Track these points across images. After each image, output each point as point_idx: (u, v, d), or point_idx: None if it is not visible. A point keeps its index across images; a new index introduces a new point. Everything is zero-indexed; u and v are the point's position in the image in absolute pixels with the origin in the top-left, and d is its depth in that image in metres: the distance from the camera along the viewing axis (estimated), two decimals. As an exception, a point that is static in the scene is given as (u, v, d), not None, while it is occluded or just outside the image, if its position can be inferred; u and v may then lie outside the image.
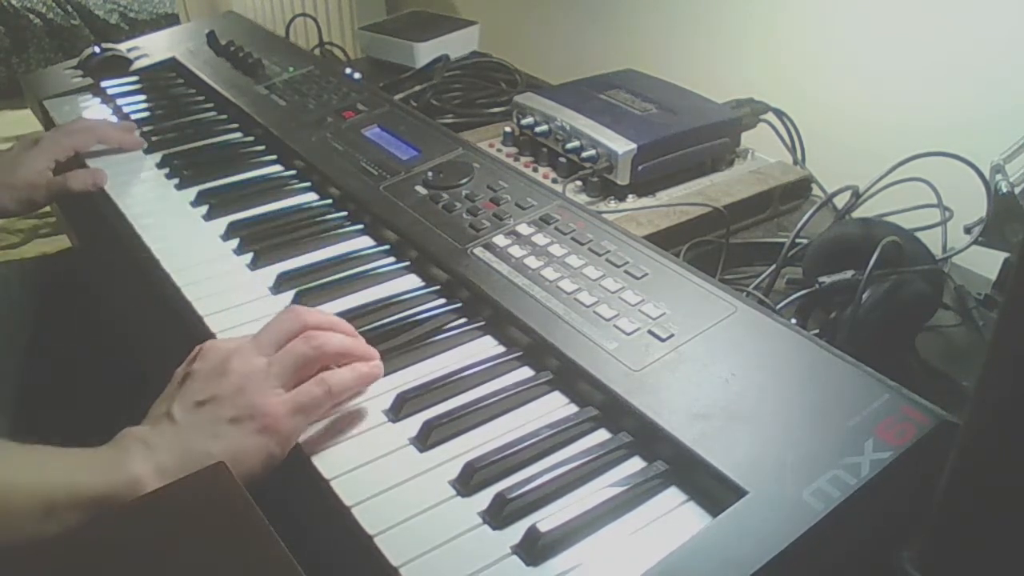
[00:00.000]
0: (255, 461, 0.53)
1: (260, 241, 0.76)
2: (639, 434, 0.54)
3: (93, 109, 1.07)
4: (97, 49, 1.16)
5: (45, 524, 0.49)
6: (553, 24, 1.42)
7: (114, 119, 1.03)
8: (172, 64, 1.16)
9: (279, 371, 0.56)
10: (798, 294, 0.71)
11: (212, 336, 0.65)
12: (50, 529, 0.49)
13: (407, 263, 0.73)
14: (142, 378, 0.69)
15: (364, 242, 0.77)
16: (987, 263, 0.79)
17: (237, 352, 0.57)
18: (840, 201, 0.83)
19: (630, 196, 0.87)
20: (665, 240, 0.80)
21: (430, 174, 0.80)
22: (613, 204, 0.86)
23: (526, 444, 0.54)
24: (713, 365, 0.56)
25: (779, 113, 0.97)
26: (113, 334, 0.81)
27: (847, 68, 1.02)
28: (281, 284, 0.70)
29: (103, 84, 1.10)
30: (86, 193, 0.87)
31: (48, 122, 1.07)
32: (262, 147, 0.94)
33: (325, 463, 0.54)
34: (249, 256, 0.74)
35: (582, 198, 0.86)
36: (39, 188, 0.87)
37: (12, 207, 0.87)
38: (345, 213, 0.81)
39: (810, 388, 0.54)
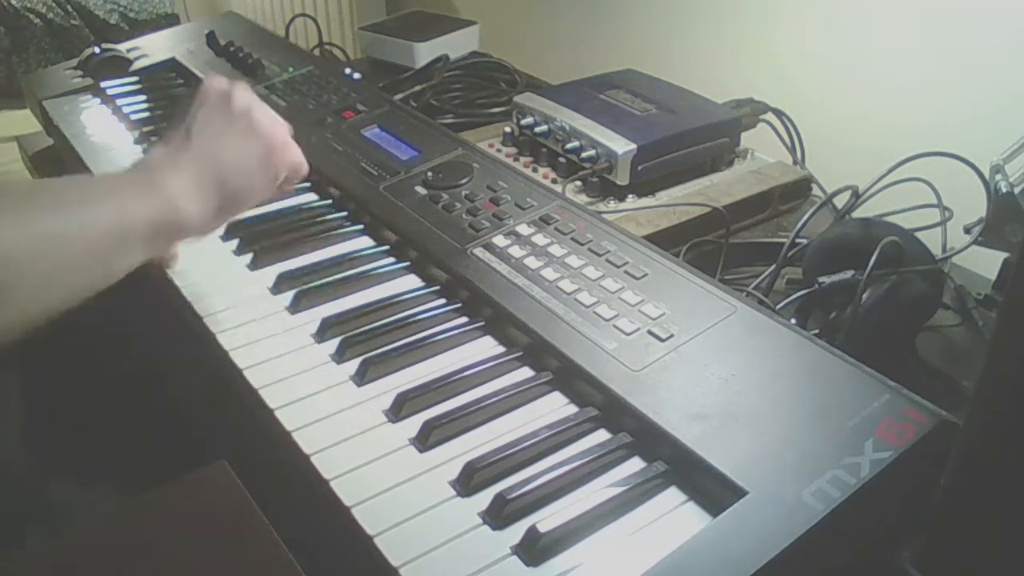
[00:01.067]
0: (253, 173, 0.64)
1: (260, 241, 0.76)
2: (639, 434, 0.55)
3: (93, 109, 1.07)
4: (97, 49, 1.16)
5: (120, 256, 0.55)
6: (553, 24, 1.42)
7: (114, 119, 1.03)
8: (172, 64, 1.16)
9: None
10: (798, 294, 0.71)
11: (212, 336, 0.65)
12: (122, 263, 0.56)
13: (407, 263, 0.73)
14: (142, 376, 0.69)
15: (364, 242, 0.77)
16: (987, 263, 0.79)
17: (259, 107, 0.67)
18: (840, 201, 0.83)
19: (630, 196, 0.87)
20: (665, 240, 0.80)
21: (430, 174, 0.80)
22: (613, 204, 0.86)
23: (526, 444, 0.54)
24: (713, 365, 0.56)
25: (779, 113, 0.97)
26: (113, 334, 0.81)
27: (847, 68, 1.02)
28: (281, 284, 0.70)
29: (103, 84, 1.10)
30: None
31: (48, 122, 1.07)
32: (262, 147, 0.94)
33: (325, 463, 0.54)
34: (249, 256, 0.74)
35: (582, 198, 0.86)
36: None
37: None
38: (345, 213, 0.81)
39: (810, 388, 0.54)
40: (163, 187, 0.59)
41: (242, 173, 0.63)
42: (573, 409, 0.58)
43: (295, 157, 0.68)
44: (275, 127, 0.67)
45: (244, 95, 0.67)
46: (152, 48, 1.20)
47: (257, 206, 0.70)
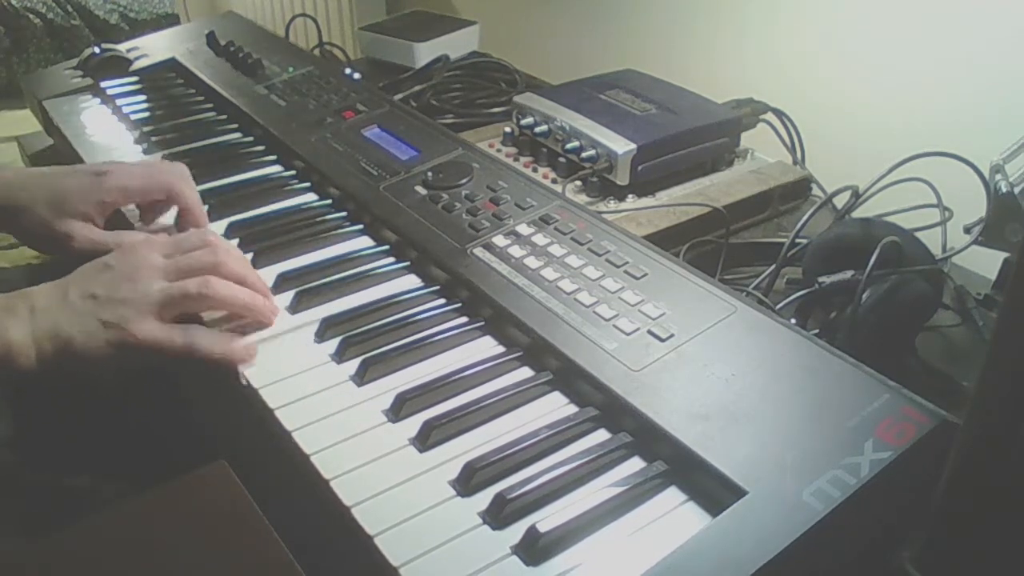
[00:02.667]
0: (99, 361, 0.60)
1: (260, 241, 0.76)
2: (639, 434, 0.55)
3: (93, 109, 1.07)
4: (97, 49, 1.16)
5: None
6: (553, 24, 1.42)
7: (114, 119, 1.03)
8: (172, 64, 1.16)
9: (163, 301, 0.62)
10: (798, 294, 0.71)
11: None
12: None
13: (407, 263, 0.73)
14: (141, 376, 0.69)
15: (364, 242, 0.77)
16: (987, 263, 0.79)
17: (147, 268, 0.63)
18: (840, 201, 0.83)
19: (630, 196, 0.87)
20: (665, 240, 0.80)
21: (430, 174, 0.80)
22: (613, 204, 0.86)
23: (526, 444, 0.54)
24: (713, 365, 0.56)
25: (779, 113, 0.97)
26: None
27: (847, 68, 1.02)
28: (281, 284, 0.70)
29: (103, 84, 1.10)
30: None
31: (48, 122, 1.07)
32: (262, 147, 0.94)
33: (325, 463, 0.54)
34: (249, 256, 0.74)
35: (582, 198, 0.86)
36: (78, 241, 0.73)
37: (36, 244, 0.77)
38: (345, 213, 0.81)
39: (810, 388, 0.54)
40: (9, 331, 0.59)
41: (81, 347, 0.59)
42: (573, 409, 0.58)
43: (152, 333, 0.61)
44: (141, 325, 0.60)
45: (146, 280, 0.62)
46: (152, 48, 1.20)
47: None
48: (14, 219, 0.74)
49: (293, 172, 0.89)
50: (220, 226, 0.79)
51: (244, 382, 0.60)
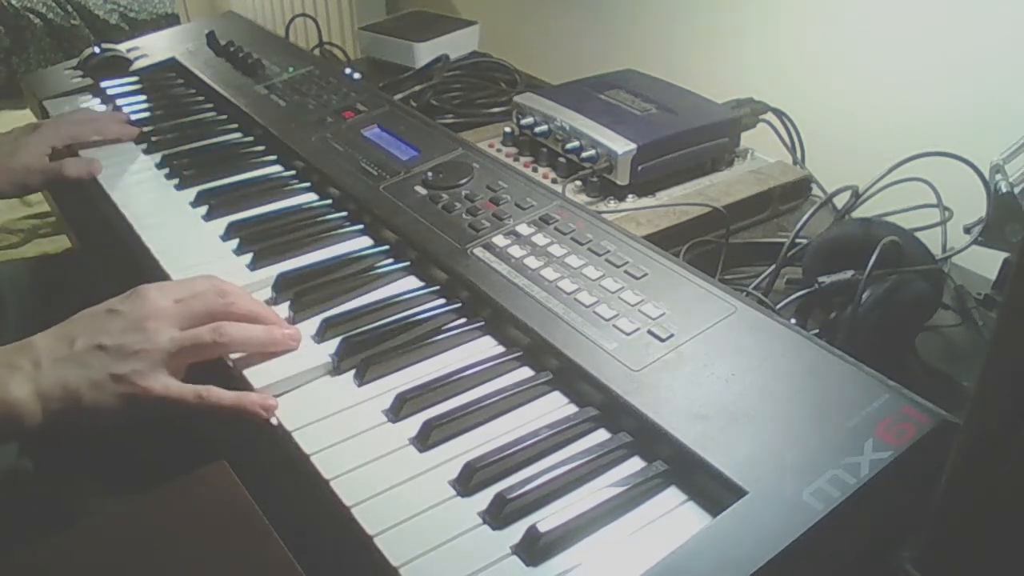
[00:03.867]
0: (108, 415, 0.57)
1: (260, 241, 0.76)
2: (639, 434, 0.55)
3: (93, 109, 1.07)
4: (97, 49, 1.16)
5: None
6: (553, 24, 1.42)
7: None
8: (172, 64, 1.16)
9: (176, 351, 0.59)
10: (798, 294, 0.71)
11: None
12: None
13: (407, 263, 0.73)
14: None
15: (364, 242, 0.77)
16: (987, 263, 0.79)
17: (156, 316, 0.60)
18: (840, 201, 0.83)
19: (630, 196, 0.87)
20: (665, 240, 0.80)
21: (430, 174, 0.80)
22: (613, 204, 0.86)
23: (526, 444, 0.54)
24: (713, 365, 0.56)
25: (779, 113, 0.97)
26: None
27: (847, 68, 1.02)
28: (281, 284, 0.70)
29: (103, 84, 1.10)
30: (79, 180, 0.89)
31: (48, 122, 1.07)
32: (262, 147, 0.94)
33: (325, 463, 0.54)
34: (249, 256, 0.74)
35: (582, 198, 0.86)
36: (34, 172, 0.89)
37: (7, 189, 0.90)
38: (345, 213, 0.81)
39: (810, 388, 0.54)
40: (10, 389, 0.56)
41: (89, 403, 0.57)
42: (573, 409, 0.58)
43: (164, 386, 0.59)
44: (150, 381, 0.58)
45: (155, 331, 0.59)
46: (152, 48, 1.20)
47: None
48: None
49: (293, 172, 0.89)
50: (220, 226, 0.79)
51: (275, 422, 0.58)
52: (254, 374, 0.61)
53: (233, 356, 0.62)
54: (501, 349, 0.64)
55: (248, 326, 0.62)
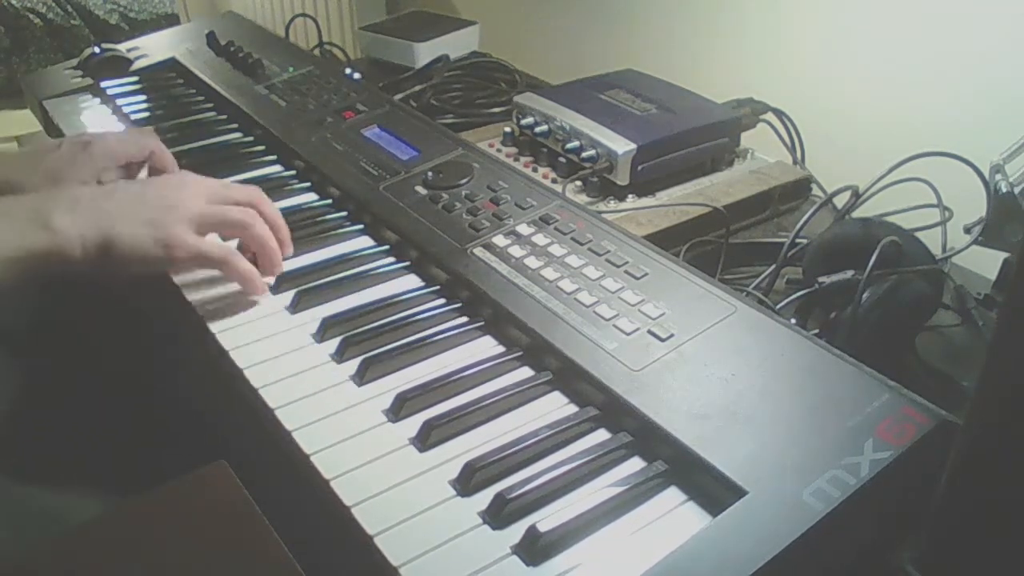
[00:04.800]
0: (138, 258, 0.63)
1: (260, 241, 0.76)
2: (639, 434, 0.55)
3: (93, 109, 1.07)
4: (97, 49, 1.16)
5: None
6: (553, 24, 1.42)
7: (114, 119, 1.03)
8: (172, 64, 1.16)
9: (204, 215, 0.66)
10: (798, 294, 0.71)
11: (212, 336, 0.65)
12: None
13: (407, 263, 0.73)
14: (142, 376, 0.69)
15: (364, 242, 0.77)
16: (987, 263, 0.79)
17: (196, 185, 0.68)
18: (840, 201, 0.83)
19: (630, 196, 0.87)
20: (665, 240, 0.80)
21: (430, 174, 0.80)
22: (613, 204, 0.86)
23: (526, 444, 0.54)
24: (713, 365, 0.56)
25: (779, 113, 0.97)
26: (114, 334, 0.81)
27: (847, 68, 1.02)
28: (281, 284, 0.70)
29: (103, 84, 1.10)
30: None
31: (48, 122, 1.07)
32: (262, 147, 0.94)
33: (325, 463, 0.54)
34: (249, 256, 0.74)
35: (582, 198, 0.86)
36: None
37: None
38: (345, 213, 0.81)
39: (810, 388, 0.54)
40: (51, 218, 0.61)
41: (122, 241, 0.63)
42: (573, 409, 0.58)
43: (197, 245, 0.66)
44: (179, 230, 0.64)
45: (191, 194, 0.67)
46: (152, 48, 1.20)
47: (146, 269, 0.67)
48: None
49: (293, 172, 0.89)
50: (220, 226, 0.79)
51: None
52: (254, 375, 0.61)
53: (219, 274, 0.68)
54: (501, 349, 0.64)
55: (270, 235, 0.69)
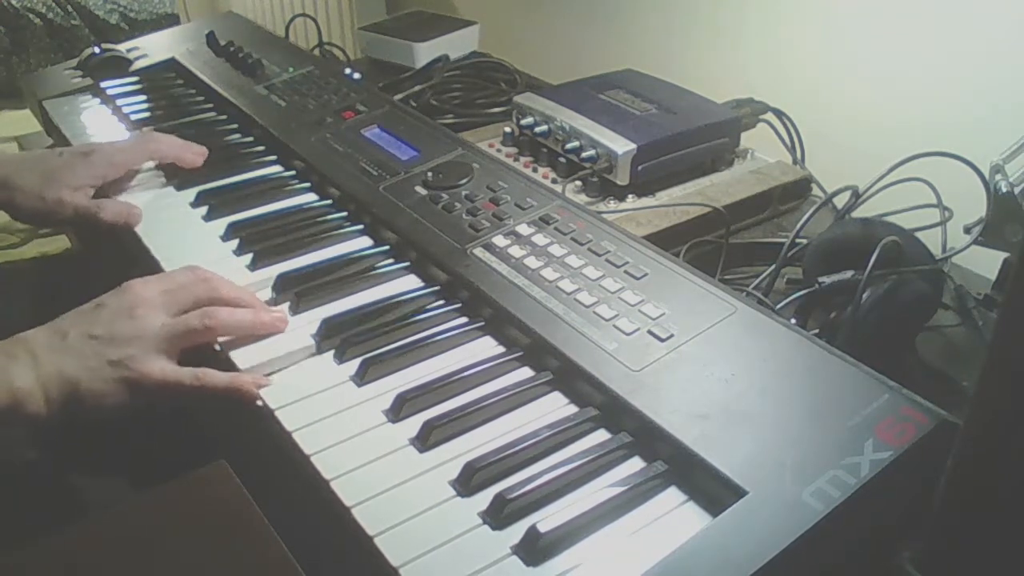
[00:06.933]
0: (109, 404, 0.59)
1: (260, 242, 0.76)
2: (639, 434, 0.55)
3: (93, 109, 1.07)
4: (97, 49, 1.16)
5: None
6: (553, 24, 1.42)
7: (114, 119, 1.03)
8: (172, 64, 1.16)
9: (168, 336, 0.61)
10: (798, 294, 0.71)
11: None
12: None
13: (407, 263, 0.73)
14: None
15: (364, 242, 0.77)
16: (987, 263, 0.79)
17: (144, 304, 0.62)
18: (840, 201, 0.83)
19: (630, 196, 0.87)
20: (665, 240, 0.80)
21: (430, 174, 0.80)
22: (613, 204, 0.86)
23: (526, 444, 0.54)
24: (713, 365, 0.56)
25: (779, 113, 0.97)
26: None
27: (847, 68, 1.02)
28: (281, 284, 0.70)
29: (103, 84, 1.10)
30: (114, 226, 0.80)
31: (47, 122, 1.07)
32: (262, 147, 0.94)
33: (325, 463, 0.54)
34: (249, 256, 0.74)
35: (582, 198, 0.86)
36: (67, 206, 0.79)
37: (32, 218, 0.81)
38: (345, 213, 0.81)
39: (810, 388, 0.54)
40: (12, 377, 0.57)
41: (88, 391, 0.59)
42: (573, 409, 0.58)
43: (162, 371, 0.60)
44: (147, 365, 0.59)
45: (145, 318, 0.61)
46: (152, 48, 1.20)
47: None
48: (10, 197, 0.79)
49: (293, 172, 0.89)
50: (220, 226, 0.79)
51: (260, 403, 0.59)
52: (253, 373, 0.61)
53: (221, 339, 0.64)
54: (501, 349, 0.64)
55: (235, 310, 0.64)
